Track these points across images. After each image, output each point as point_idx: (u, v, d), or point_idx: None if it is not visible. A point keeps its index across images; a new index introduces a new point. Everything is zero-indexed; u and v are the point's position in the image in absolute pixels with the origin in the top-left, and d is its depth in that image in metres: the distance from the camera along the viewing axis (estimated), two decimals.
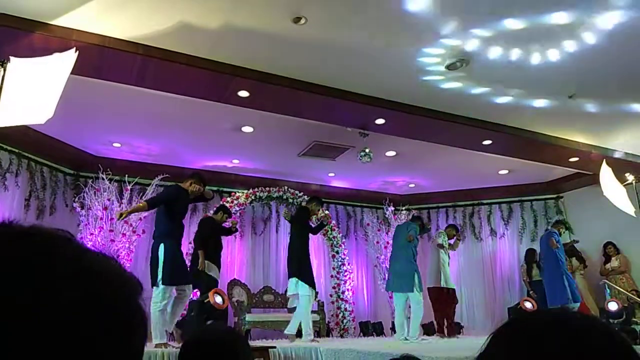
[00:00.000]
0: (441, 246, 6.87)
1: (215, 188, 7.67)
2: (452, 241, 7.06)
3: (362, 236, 9.35)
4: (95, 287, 0.46)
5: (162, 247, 4.72)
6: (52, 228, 0.50)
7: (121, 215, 4.71)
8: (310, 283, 5.92)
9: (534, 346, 0.55)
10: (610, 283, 7.65)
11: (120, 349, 0.47)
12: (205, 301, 5.01)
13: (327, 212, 7.66)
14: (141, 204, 4.91)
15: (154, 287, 4.63)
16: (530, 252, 8.71)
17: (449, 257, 7.00)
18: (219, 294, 5.01)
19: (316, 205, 6.50)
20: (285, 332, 6.01)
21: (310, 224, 6.57)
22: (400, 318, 6.16)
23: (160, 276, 4.63)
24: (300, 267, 5.97)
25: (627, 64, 4.71)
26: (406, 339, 6.04)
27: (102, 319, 0.45)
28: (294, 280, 5.96)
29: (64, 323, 0.42)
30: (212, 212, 7.69)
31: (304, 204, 8.24)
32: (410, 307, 6.13)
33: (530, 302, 6.75)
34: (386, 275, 8.66)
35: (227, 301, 4.72)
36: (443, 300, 6.82)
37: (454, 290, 6.91)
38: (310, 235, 6.42)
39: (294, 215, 6.54)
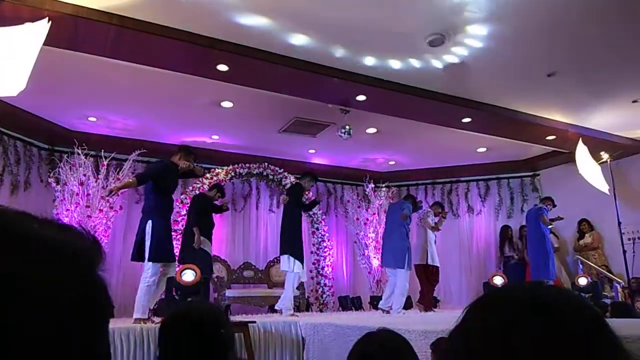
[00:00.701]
0: (434, 228, 6.98)
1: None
2: (436, 219, 7.14)
3: (342, 213, 9.41)
4: (47, 270, 0.42)
5: (149, 223, 4.70)
6: None
7: (111, 191, 4.70)
8: (300, 260, 5.97)
9: (509, 320, 0.56)
10: (583, 259, 7.88)
11: (80, 331, 0.43)
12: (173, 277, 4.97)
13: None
14: (131, 180, 4.90)
15: (144, 263, 4.65)
16: (504, 229, 8.89)
17: (435, 235, 7.12)
18: (191, 269, 4.92)
19: (309, 181, 6.53)
20: (276, 307, 6.12)
21: (303, 200, 6.59)
22: (390, 290, 6.40)
23: (147, 253, 4.63)
24: (290, 243, 6.00)
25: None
26: (387, 312, 6.21)
27: (54, 309, 0.41)
28: (285, 257, 6.00)
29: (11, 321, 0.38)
30: (190, 188, 7.64)
31: (284, 180, 8.25)
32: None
33: (501, 277, 6.80)
34: (365, 251, 8.81)
35: (199, 276, 4.69)
36: (428, 277, 6.96)
37: (437, 268, 7.04)
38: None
39: (287, 194, 6.53)
